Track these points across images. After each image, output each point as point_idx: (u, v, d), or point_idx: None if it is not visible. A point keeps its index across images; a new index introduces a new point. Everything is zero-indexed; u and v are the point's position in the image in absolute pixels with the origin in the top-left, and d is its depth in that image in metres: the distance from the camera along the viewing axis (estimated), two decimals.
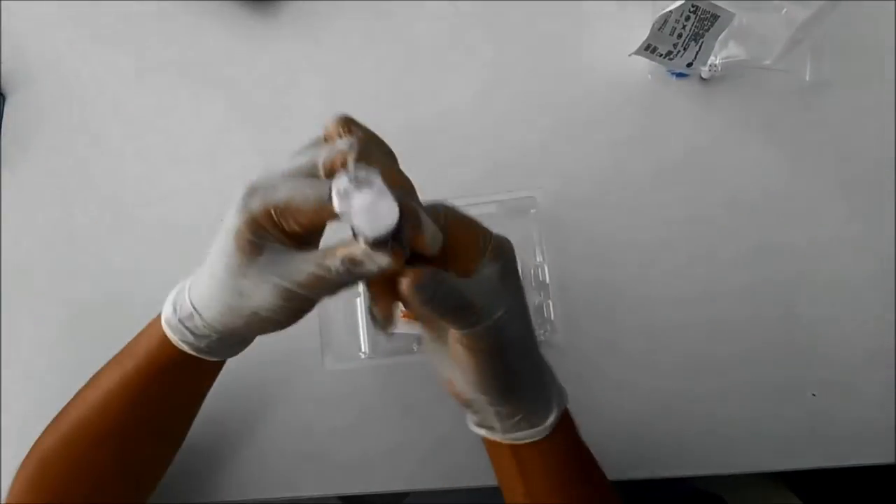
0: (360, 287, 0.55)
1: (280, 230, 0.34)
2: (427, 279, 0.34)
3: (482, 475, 0.55)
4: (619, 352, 0.57)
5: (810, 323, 0.57)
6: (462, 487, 0.55)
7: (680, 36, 0.54)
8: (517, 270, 0.39)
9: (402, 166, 0.36)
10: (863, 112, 0.60)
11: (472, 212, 0.52)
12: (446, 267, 0.36)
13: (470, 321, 0.35)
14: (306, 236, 0.35)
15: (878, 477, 0.61)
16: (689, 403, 0.56)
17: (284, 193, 0.33)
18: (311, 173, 0.34)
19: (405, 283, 0.33)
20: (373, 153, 0.34)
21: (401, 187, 0.35)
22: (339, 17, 0.64)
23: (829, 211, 0.59)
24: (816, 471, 0.56)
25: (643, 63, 0.59)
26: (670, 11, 0.52)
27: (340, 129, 0.35)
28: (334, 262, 0.33)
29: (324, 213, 0.33)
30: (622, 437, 0.56)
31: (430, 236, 0.33)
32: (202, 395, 0.47)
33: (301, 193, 0.33)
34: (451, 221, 0.36)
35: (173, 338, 0.39)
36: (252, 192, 0.34)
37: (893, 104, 0.60)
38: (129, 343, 0.42)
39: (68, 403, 0.44)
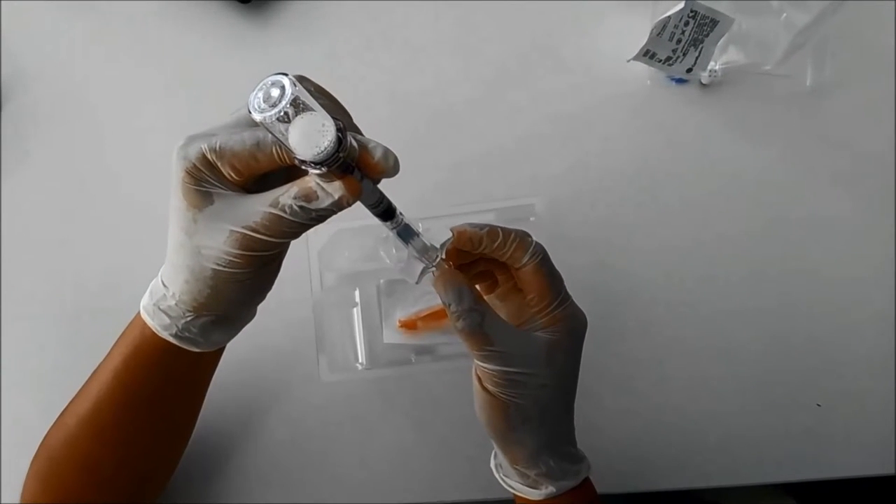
0: (357, 297, 0.54)
1: (221, 176, 0.34)
2: (458, 282, 0.36)
3: (480, 489, 0.54)
4: (620, 362, 0.56)
5: (815, 331, 0.57)
6: (461, 501, 0.55)
7: (679, 41, 0.54)
8: (575, 351, 0.40)
9: (401, 173, 0.36)
10: (864, 117, 0.60)
11: (471, 220, 0.52)
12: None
13: (481, 352, 0.37)
14: (254, 184, 0.35)
15: (886, 488, 0.60)
16: (693, 414, 0.56)
17: (221, 138, 0.34)
18: (250, 124, 0.35)
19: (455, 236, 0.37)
20: (315, 97, 0.35)
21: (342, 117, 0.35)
22: (332, 21, 0.64)
23: (833, 218, 0.58)
24: (822, 482, 0.55)
25: (642, 69, 0.58)
26: (669, 17, 0.52)
27: None
28: (287, 200, 0.33)
29: (261, 156, 0.33)
30: (625, 449, 0.55)
31: (381, 156, 0.32)
32: (197, 390, 0.46)
33: (237, 137, 0.33)
34: (540, 262, 0.38)
35: (152, 324, 0.39)
36: (189, 141, 0.34)
37: (894, 109, 0.59)
38: (121, 334, 0.42)
39: (72, 398, 0.44)
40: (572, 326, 0.39)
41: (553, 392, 0.39)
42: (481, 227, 0.38)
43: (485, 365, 0.37)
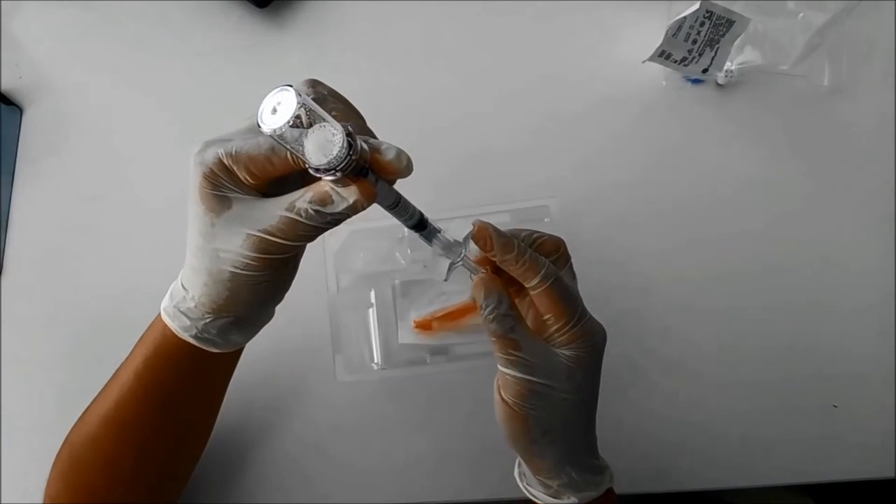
0: (372, 297, 0.54)
1: (238, 181, 0.35)
2: (497, 288, 0.37)
3: (494, 488, 0.54)
4: (636, 363, 0.56)
5: (831, 332, 0.56)
6: (475, 500, 0.55)
7: (695, 42, 0.54)
8: (595, 365, 0.40)
9: (416, 175, 0.36)
10: (881, 117, 0.59)
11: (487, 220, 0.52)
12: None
13: (507, 357, 0.37)
14: (271, 188, 0.36)
15: None
16: (707, 414, 0.55)
17: (237, 143, 0.34)
18: None
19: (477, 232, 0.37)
20: (328, 100, 0.35)
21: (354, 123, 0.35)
22: (348, 25, 0.64)
23: (851, 217, 0.58)
24: (840, 483, 0.55)
25: (658, 70, 0.58)
26: (684, 17, 0.52)
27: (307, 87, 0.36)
28: (303, 204, 0.33)
29: (276, 160, 0.34)
30: (641, 451, 0.55)
31: (394, 157, 0.32)
32: (216, 390, 0.47)
33: (253, 141, 0.34)
34: (552, 285, 0.37)
35: (172, 325, 0.39)
36: (205, 146, 0.35)
37: None
38: (142, 335, 0.43)
39: (94, 398, 0.45)
40: (591, 342, 0.39)
41: (574, 405, 0.39)
42: (500, 234, 0.37)
43: (508, 371, 0.37)
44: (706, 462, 0.55)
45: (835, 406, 0.55)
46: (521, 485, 0.44)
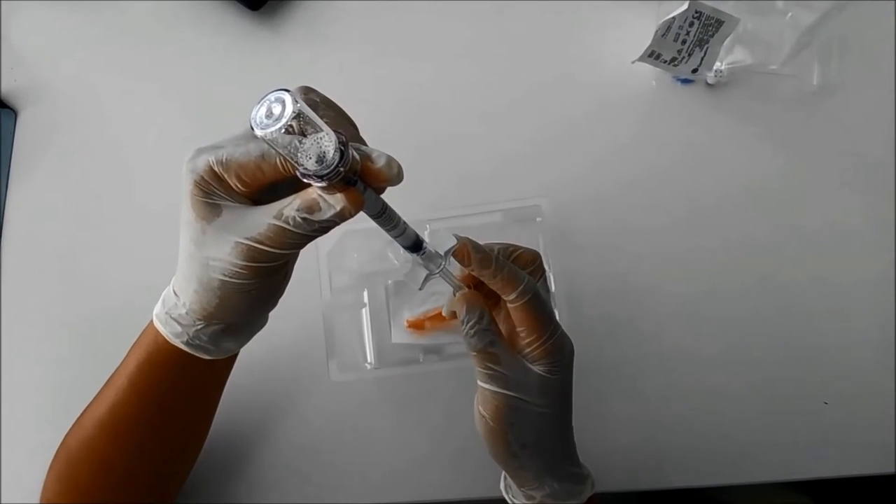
0: (365, 298, 0.55)
1: (229, 188, 0.35)
2: (478, 304, 0.38)
3: (489, 486, 0.54)
4: (628, 361, 0.56)
5: (822, 332, 0.56)
6: (468, 499, 0.55)
7: (684, 42, 0.54)
8: (567, 378, 0.41)
9: (408, 176, 0.36)
10: (871, 116, 0.59)
11: (478, 220, 0.53)
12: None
13: (486, 371, 0.38)
14: (262, 195, 0.36)
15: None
16: (702, 413, 0.56)
17: (227, 150, 0.34)
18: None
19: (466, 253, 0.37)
20: (319, 107, 0.35)
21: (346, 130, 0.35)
22: (342, 27, 0.64)
23: (841, 217, 0.58)
24: (836, 479, 0.55)
25: (648, 70, 0.58)
26: (673, 17, 0.52)
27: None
28: (291, 212, 0.33)
29: (266, 167, 0.34)
30: (637, 448, 0.55)
31: (385, 164, 0.32)
32: (210, 395, 0.47)
33: (243, 149, 0.34)
34: (529, 301, 0.38)
35: (163, 331, 0.40)
36: (197, 153, 0.35)
37: None
38: (136, 340, 0.43)
39: (90, 401, 0.45)
40: (561, 357, 0.40)
41: (549, 418, 0.40)
42: (478, 249, 0.38)
43: (487, 386, 0.38)
44: (697, 459, 0.55)
45: (825, 403, 0.55)
46: (507, 497, 0.45)
